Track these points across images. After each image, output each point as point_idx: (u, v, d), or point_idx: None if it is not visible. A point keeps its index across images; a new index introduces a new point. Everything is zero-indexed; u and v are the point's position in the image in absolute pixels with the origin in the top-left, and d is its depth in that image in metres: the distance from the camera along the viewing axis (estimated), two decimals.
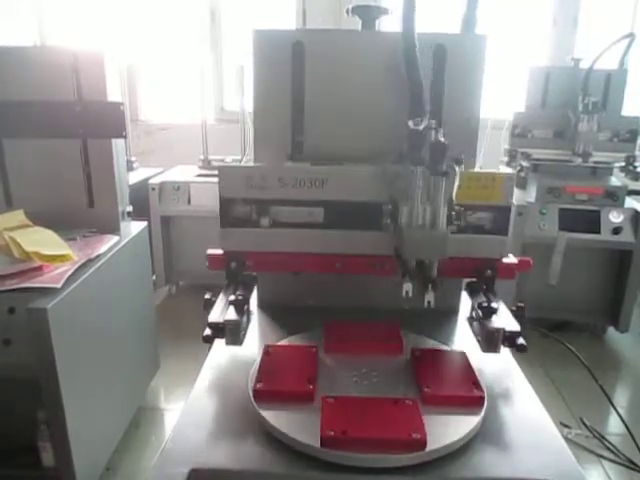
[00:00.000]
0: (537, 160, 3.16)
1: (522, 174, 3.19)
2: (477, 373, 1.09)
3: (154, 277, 3.37)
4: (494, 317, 1.15)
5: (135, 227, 2.32)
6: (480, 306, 1.18)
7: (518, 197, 3.14)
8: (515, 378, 1.21)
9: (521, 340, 1.11)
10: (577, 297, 3.21)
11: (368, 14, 1.28)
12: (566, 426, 2.42)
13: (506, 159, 3.26)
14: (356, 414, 0.96)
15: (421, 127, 1.04)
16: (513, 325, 1.13)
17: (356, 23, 1.33)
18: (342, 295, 1.41)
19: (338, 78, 1.27)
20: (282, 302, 1.45)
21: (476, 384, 1.06)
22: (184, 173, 3.74)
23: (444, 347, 1.24)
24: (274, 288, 1.48)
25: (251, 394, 1.02)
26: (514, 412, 1.08)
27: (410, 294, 1.08)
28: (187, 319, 3.08)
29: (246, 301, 1.20)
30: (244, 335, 1.17)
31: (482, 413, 0.99)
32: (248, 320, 1.23)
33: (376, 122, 1.29)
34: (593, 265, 3.16)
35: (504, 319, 1.15)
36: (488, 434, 0.99)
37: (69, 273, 1.73)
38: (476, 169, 1.39)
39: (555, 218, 2.99)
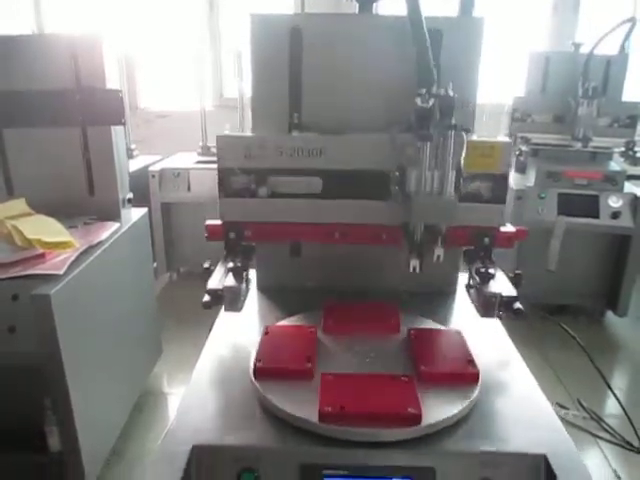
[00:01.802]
0: (536, 145, 3.17)
1: (521, 158, 3.19)
2: (472, 351, 1.11)
3: (155, 264, 3.39)
4: (491, 283, 1.17)
5: (135, 214, 2.34)
6: (478, 272, 1.20)
7: (517, 181, 3.15)
8: (511, 357, 1.22)
9: (518, 305, 1.12)
10: (576, 281, 3.23)
11: None
12: (563, 407, 2.46)
13: None
14: (353, 390, 0.98)
15: (428, 105, 1.05)
16: (510, 290, 1.15)
17: (354, 8, 1.33)
18: (341, 276, 1.42)
19: (336, 61, 1.28)
20: (281, 284, 1.47)
21: (471, 362, 1.08)
22: (184, 160, 3.75)
23: (440, 327, 1.25)
24: (273, 270, 1.49)
25: (251, 373, 1.04)
26: (509, 390, 1.10)
27: (417, 270, 1.10)
28: (189, 305, 3.09)
29: (245, 269, 1.21)
30: (243, 302, 1.18)
31: (477, 390, 1.01)
32: (247, 288, 1.24)
33: (374, 101, 1.30)
34: (592, 250, 3.18)
35: (501, 285, 1.17)
36: (483, 410, 1.01)
37: (71, 260, 1.74)
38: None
39: (554, 203, 3.00)
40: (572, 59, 3.17)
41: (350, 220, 1.25)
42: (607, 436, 2.32)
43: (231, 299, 1.13)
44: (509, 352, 1.24)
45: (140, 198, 2.75)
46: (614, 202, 2.95)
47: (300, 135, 1.24)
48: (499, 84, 3.97)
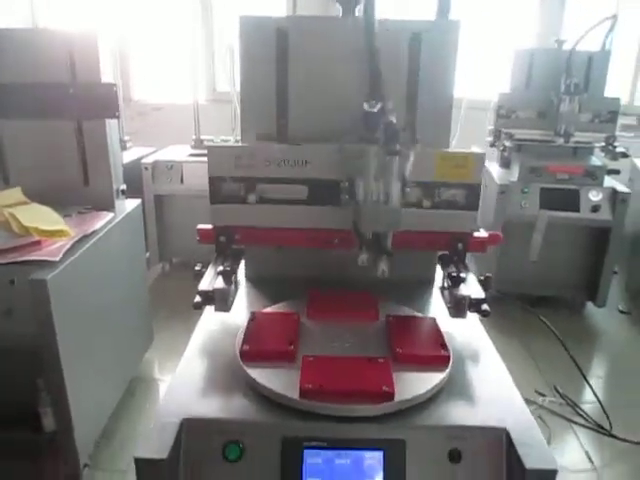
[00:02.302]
0: (520, 140, 3.25)
1: (505, 154, 3.28)
2: (445, 337, 1.19)
3: (148, 255, 3.45)
4: (462, 286, 1.25)
5: (129, 205, 2.40)
6: (450, 276, 1.28)
7: (501, 176, 3.24)
8: (483, 343, 1.30)
9: (485, 306, 1.20)
10: (557, 273, 3.33)
11: (347, 1, 1.35)
12: (541, 394, 2.56)
13: (490, 139, 3.34)
14: (332, 370, 1.06)
15: (375, 109, 1.11)
16: (479, 293, 1.23)
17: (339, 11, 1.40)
18: (324, 267, 1.50)
19: (319, 62, 1.34)
20: (268, 274, 1.54)
21: (443, 346, 1.16)
22: (177, 152, 3.81)
23: (417, 314, 1.33)
24: (260, 261, 1.56)
25: (238, 354, 1.12)
26: (478, 371, 1.18)
27: (365, 263, 1.18)
28: (180, 295, 3.14)
29: (234, 272, 1.29)
30: (232, 303, 1.26)
31: (447, 371, 1.09)
32: (236, 289, 1.32)
33: (352, 103, 1.37)
34: (572, 242, 3.27)
35: (471, 287, 1.25)
36: (453, 389, 1.09)
37: (66, 247, 1.81)
38: (451, 149, 1.46)
39: (536, 197, 3.09)
40: (556, 56, 3.25)
41: (333, 226, 1.31)
42: (581, 420, 2.42)
43: (221, 300, 1.21)
44: (481, 338, 1.32)
45: (133, 190, 2.80)
46: (594, 196, 3.05)
47: (284, 147, 1.31)
48: (486, 81, 4.04)
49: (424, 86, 1.37)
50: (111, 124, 2.26)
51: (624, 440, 2.28)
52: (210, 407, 1.03)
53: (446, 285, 1.32)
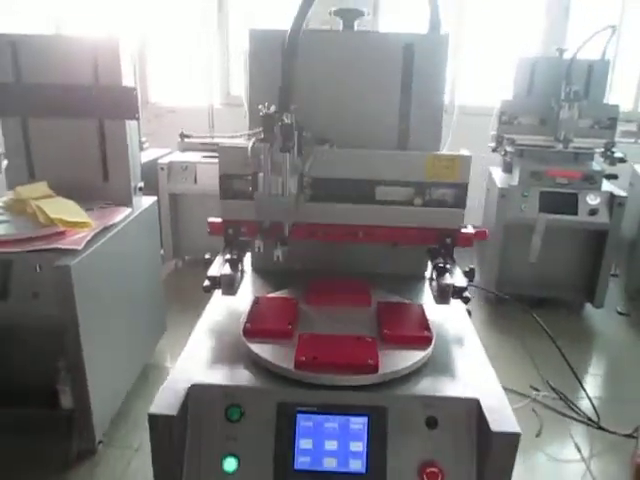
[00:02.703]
0: (521, 146, 3.36)
1: (507, 159, 3.39)
2: (430, 321, 1.32)
3: (162, 251, 3.60)
4: (447, 275, 1.37)
5: (146, 201, 2.56)
6: (437, 267, 1.40)
7: (503, 180, 3.35)
8: (466, 329, 1.42)
9: (467, 293, 1.32)
10: (556, 275, 3.43)
11: (348, 16, 1.48)
12: (535, 389, 2.66)
13: (493, 144, 3.46)
14: (324, 346, 1.19)
15: (270, 110, 1.21)
16: (462, 281, 1.35)
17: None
18: (325, 261, 1.62)
19: (323, 71, 1.48)
20: (273, 266, 1.67)
21: (427, 328, 1.28)
22: (191, 154, 3.96)
23: (405, 301, 1.46)
24: (266, 254, 1.69)
25: (241, 332, 1.25)
26: (458, 351, 1.30)
27: (262, 250, 1.33)
28: (192, 290, 3.29)
29: (240, 260, 1.42)
30: (237, 287, 1.39)
31: (429, 349, 1.22)
32: (241, 276, 1.44)
33: (349, 107, 1.50)
34: (571, 245, 3.38)
35: (455, 277, 1.37)
36: (433, 366, 1.21)
37: (88, 238, 1.96)
38: (443, 151, 1.58)
39: (536, 200, 3.20)
40: (557, 64, 3.36)
41: (331, 221, 1.43)
42: (573, 414, 2.52)
43: (227, 284, 1.33)
44: (465, 325, 1.44)
45: (149, 189, 2.96)
46: (592, 200, 3.15)
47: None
48: (490, 88, 4.16)
49: (416, 93, 1.49)
50: (131, 125, 2.41)
51: (612, 433, 2.38)
52: (215, 376, 1.16)
53: (433, 276, 1.44)
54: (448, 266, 1.40)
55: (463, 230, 1.47)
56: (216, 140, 3.78)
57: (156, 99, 5.03)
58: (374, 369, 1.13)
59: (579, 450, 2.32)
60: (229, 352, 1.25)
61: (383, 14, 4.48)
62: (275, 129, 1.19)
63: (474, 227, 1.52)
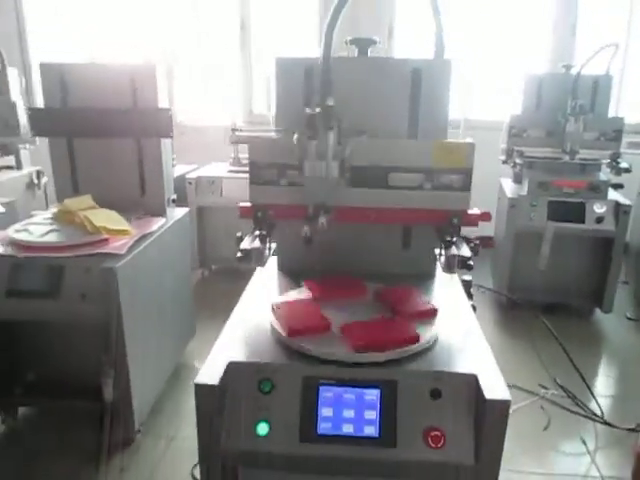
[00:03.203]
0: (530, 157, 3.53)
1: (517, 170, 3.56)
2: (427, 299, 1.51)
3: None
4: (453, 247, 1.53)
5: (178, 212, 2.78)
6: (444, 241, 1.57)
7: (513, 191, 3.52)
8: (469, 318, 1.59)
9: (471, 262, 1.48)
10: (566, 281, 3.57)
11: (362, 44, 1.69)
12: (544, 387, 2.80)
13: (503, 157, 3.63)
14: (362, 333, 1.37)
15: (316, 111, 1.38)
16: (466, 252, 1.50)
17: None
18: (341, 262, 1.80)
19: (342, 92, 1.66)
20: (296, 267, 1.86)
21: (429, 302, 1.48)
22: (217, 169, 4.21)
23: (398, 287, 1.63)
24: (291, 256, 1.89)
25: (275, 324, 1.43)
26: (460, 336, 1.47)
27: (309, 234, 1.48)
28: (218, 298, 3.51)
29: (268, 235, 1.58)
30: (266, 260, 1.56)
31: (433, 329, 1.40)
32: (269, 251, 1.61)
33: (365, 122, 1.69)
34: (579, 252, 3.52)
35: (461, 250, 1.53)
36: (439, 347, 1.39)
37: (130, 244, 2.18)
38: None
39: (544, 209, 3.36)
40: (563, 80, 3.54)
41: (363, 204, 1.57)
42: (580, 411, 2.66)
43: (257, 256, 1.50)
44: (468, 317, 1.61)
45: (178, 202, 3.18)
46: (598, 208, 3.30)
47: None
48: (500, 103, 4.35)
49: (424, 111, 1.69)
50: (165, 143, 2.65)
51: (616, 427, 2.51)
52: (249, 354, 1.36)
53: (442, 252, 1.60)
54: (455, 239, 1.56)
55: (469, 211, 1.62)
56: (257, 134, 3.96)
57: (181, 118, 5.30)
58: (416, 339, 1.32)
59: (584, 443, 2.46)
60: (260, 337, 1.44)
61: (398, 38, 4.72)
62: (318, 123, 1.38)
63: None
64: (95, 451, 2.25)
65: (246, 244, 1.52)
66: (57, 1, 5.23)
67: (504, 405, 1.21)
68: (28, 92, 3.98)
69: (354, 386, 1.30)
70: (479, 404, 1.25)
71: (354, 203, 1.57)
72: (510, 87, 4.06)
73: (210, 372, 1.28)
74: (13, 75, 3.86)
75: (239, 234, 1.60)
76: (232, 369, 1.31)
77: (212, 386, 1.24)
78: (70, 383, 2.33)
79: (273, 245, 1.72)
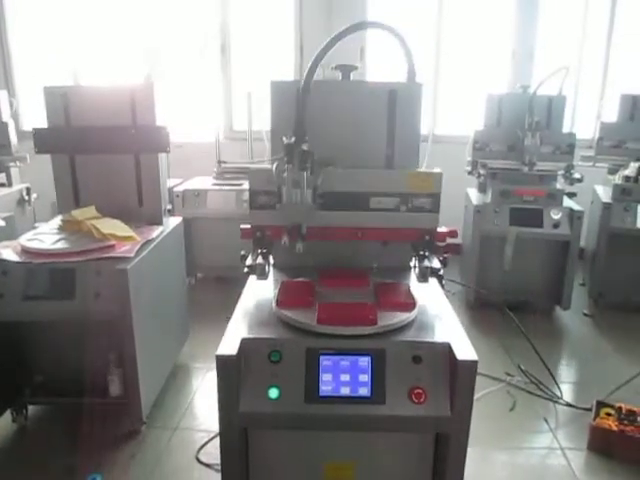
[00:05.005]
0: (493, 169, 3.87)
1: (481, 180, 3.89)
2: (415, 294, 1.76)
3: None
4: (426, 261, 1.81)
5: (173, 221, 3.01)
6: (418, 255, 1.85)
7: (478, 199, 3.85)
8: (442, 302, 1.86)
9: (441, 272, 1.76)
10: (528, 282, 3.90)
11: (345, 70, 1.97)
12: (509, 374, 3.10)
13: (469, 168, 3.97)
14: (338, 309, 1.62)
15: (291, 140, 1.64)
16: (437, 265, 1.79)
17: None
18: (331, 258, 2.05)
19: (327, 112, 1.94)
20: (290, 264, 2.10)
21: (412, 297, 1.73)
22: (202, 182, 4.44)
23: (396, 282, 1.89)
24: (284, 255, 2.12)
25: (274, 304, 1.68)
26: (436, 316, 1.74)
27: (287, 244, 1.73)
28: (206, 304, 3.74)
29: (269, 253, 1.85)
30: (267, 273, 1.81)
31: (414, 311, 1.66)
32: (269, 267, 1.87)
33: (348, 141, 1.97)
34: (540, 255, 3.87)
35: (433, 262, 1.81)
36: (419, 323, 1.65)
37: (137, 248, 2.40)
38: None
39: (506, 215, 3.70)
40: (521, 99, 3.90)
41: (337, 224, 1.84)
42: (542, 394, 2.96)
43: (260, 271, 1.75)
44: (441, 300, 1.88)
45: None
46: (555, 214, 3.65)
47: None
48: (465, 120, 4.71)
49: (399, 127, 1.96)
50: (161, 157, 2.88)
51: (574, 407, 2.81)
52: (259, 332, 1.60)
53: (416, 263, 1.88)
54: (427, 254, 1.84)
55: (439, 229, 1.91)
56: (246, 165, 4.25)
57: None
58: (374, 322, 1.57)
59: (547, 422, 2.75)
60: (265, 317, 1.68)
61: (369, 58, 5.06)
62: (295, 154, 1.64)
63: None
64: (105, 442, 2.43)
65: (250, 261, 1.77)
66: (41, 24, 5.42)
67: (472, 364, 1.47)
68: (13, 114, 4.18)
69: (349, 354, 1.54)
70: (452, 366, 1.51)
71: (330, 223, 1.83)
72: (474, 105, 4.41)
73: (227, 347, 1.51)
74: (3, 97, 4.06)
75: (243, 252, 1.83)
76: (245, 344, 1.54)
77: (231, 356, 1.47)
78: (78, 381, 2.51)
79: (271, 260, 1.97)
